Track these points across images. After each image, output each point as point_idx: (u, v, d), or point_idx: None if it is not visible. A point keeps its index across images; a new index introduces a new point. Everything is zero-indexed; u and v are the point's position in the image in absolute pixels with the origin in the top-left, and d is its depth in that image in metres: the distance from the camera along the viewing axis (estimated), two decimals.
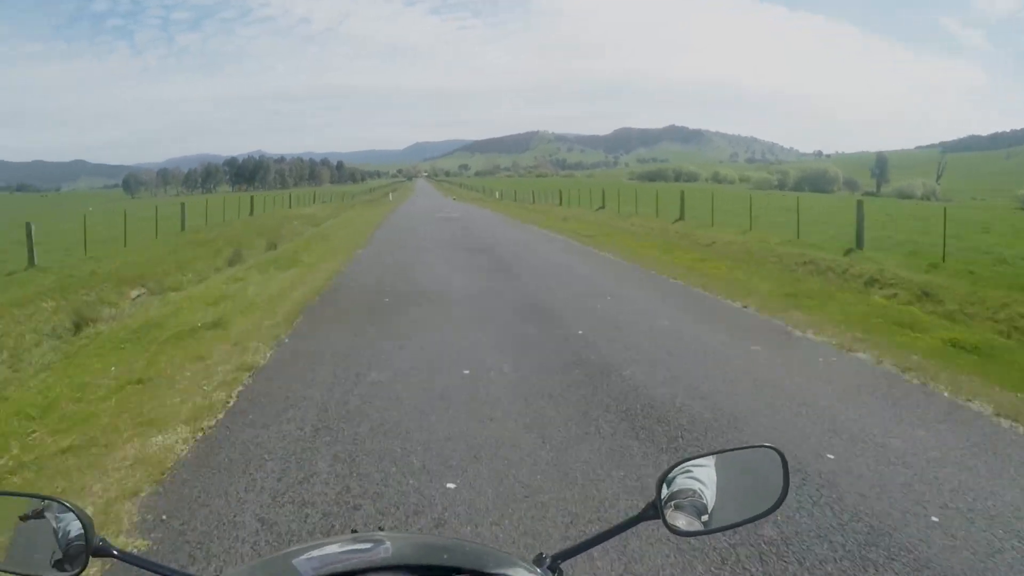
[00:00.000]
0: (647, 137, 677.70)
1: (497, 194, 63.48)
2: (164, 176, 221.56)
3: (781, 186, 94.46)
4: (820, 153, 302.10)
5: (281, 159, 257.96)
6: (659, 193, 28.86)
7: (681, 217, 23.49)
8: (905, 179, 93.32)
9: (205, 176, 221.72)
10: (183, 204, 28.27)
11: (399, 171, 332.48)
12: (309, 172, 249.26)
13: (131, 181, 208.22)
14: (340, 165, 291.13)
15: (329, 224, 27.72)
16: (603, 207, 33.86)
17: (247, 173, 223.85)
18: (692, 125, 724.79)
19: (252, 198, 31.41)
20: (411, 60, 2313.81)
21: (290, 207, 41.11)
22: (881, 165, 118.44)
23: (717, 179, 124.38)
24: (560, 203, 39.61)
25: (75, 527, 1.07)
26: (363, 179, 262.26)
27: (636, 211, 27.78)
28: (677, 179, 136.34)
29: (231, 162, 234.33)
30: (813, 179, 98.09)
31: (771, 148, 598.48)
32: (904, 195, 70.95)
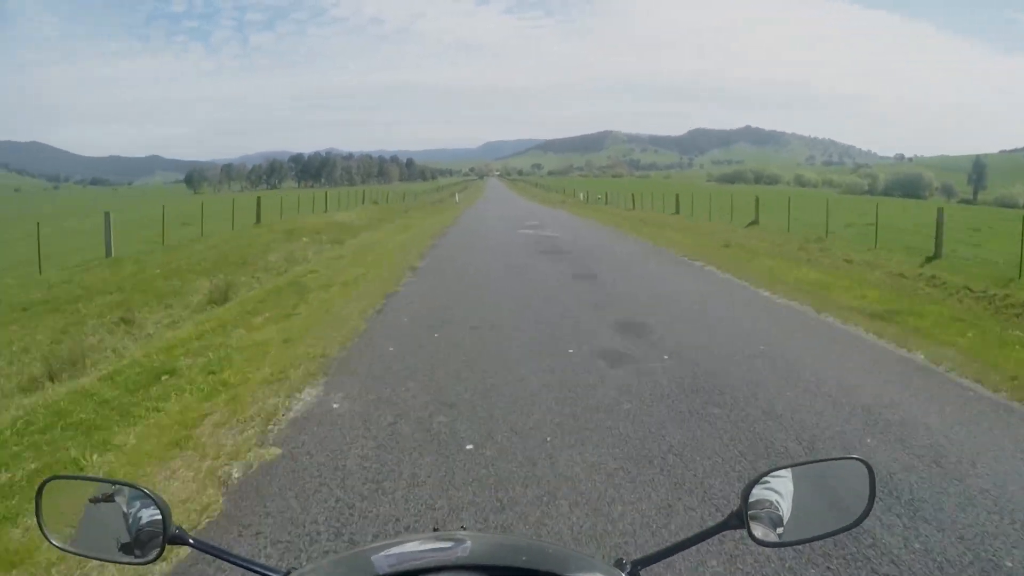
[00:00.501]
0: (722, 138, 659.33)
1: (582, 195, 56.91)
2: (228, 172, 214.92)
3: (871, 191, 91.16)
4: (902, 156, 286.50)
5: (349, 156, 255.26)
6: (759, 199, 26.66)
7: (755, 221, 23.56)
8: (1005, 186, 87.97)
9: (269, 172, 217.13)
10: (202, 203, 27.63)
11: (471, 169, 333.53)
12: (378, 169, 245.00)
13: (194, 176, 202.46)
14: (410, 162, 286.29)
15: (356, 245, 18.12)
16: (690, 213, 31.05)
17: (312, 170, 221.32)
18: (768, 126, 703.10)
19: (259, 199, 26.71)
20: (485, 59, 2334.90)
21: (325, 210, 32.97)
22: (979, 170, 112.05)
23: (800, 182, 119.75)
24: (675, 211, 32.64)
25: (147, 513, 1.08)
26: (433, 177, 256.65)
27: (731, 218, 26.10)
28: (757, 182, 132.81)
29: (297, 158, 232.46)
30: (905, 184, 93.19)
31: (848, 151, 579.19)
32: (1005, 203, 67.63)
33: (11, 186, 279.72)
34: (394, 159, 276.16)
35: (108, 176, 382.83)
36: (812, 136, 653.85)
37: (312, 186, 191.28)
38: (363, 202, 41.60)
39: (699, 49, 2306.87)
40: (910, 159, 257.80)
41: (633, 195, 40.74)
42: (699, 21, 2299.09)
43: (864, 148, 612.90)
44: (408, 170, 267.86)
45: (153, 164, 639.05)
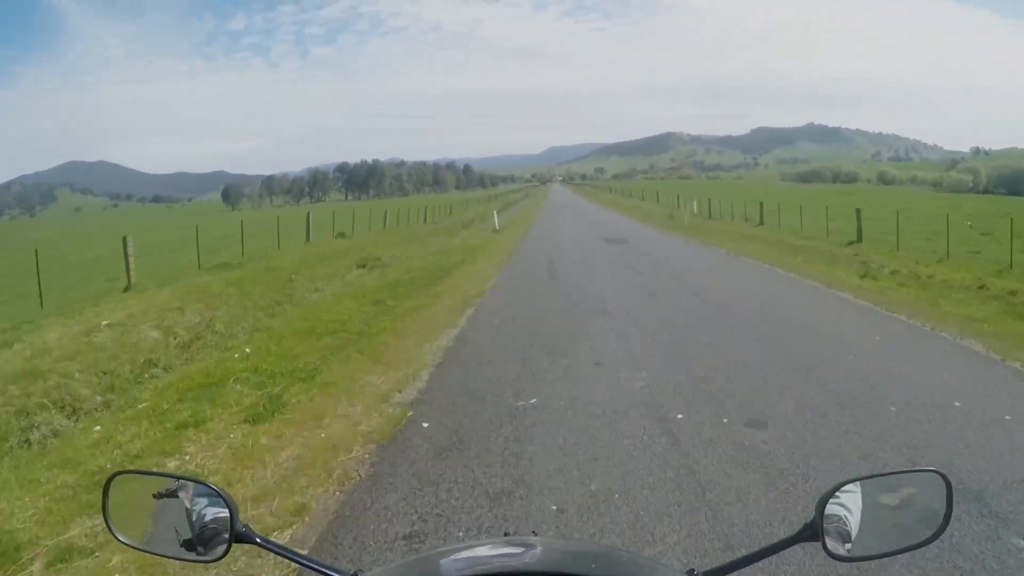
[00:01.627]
0: (784, 136, 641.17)
1: (695, 205, 37.36)
2: (269, 185, 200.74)
3: (975, 187, 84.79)
4: (978, 150, 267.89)
5: (401, 163, 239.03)
6: (861, 208, 21.04)
7: (858, 239, 19.12)
8: None
9: (312, 184, 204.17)
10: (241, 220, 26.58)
11: (533, 175, 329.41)
12: (432, 177, 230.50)
13: (231, 192, 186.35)
14: (467, 168, 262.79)
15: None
16: (760, 222, 27.69)
17: (359, 179, 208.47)
18: (831, 123, 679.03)
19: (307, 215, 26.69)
20: (545, 63, 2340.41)
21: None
22: None
23: (883, 180, 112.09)
24: (759, 220, 27.92)
25: (211, 510, 1.07)
26: (493, 184, 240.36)
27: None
28: (835, 181, 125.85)
29: (343, 167, 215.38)
30: (1012, 180, 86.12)
31: (913, 145, 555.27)
32: None
33: (73, 206, 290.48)
34: (450, 166, 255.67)
35: (173, 193, 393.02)
36: (876, 132, 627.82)
37: (360, 197, 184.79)
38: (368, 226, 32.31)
39: (759, 47, 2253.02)
40: (986, 153, 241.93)
41: (761, 205, 29.05)
42: (758, 19, 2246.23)
43: (930, 143, 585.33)
44: (466, 177, 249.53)
45: (218, 179, 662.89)
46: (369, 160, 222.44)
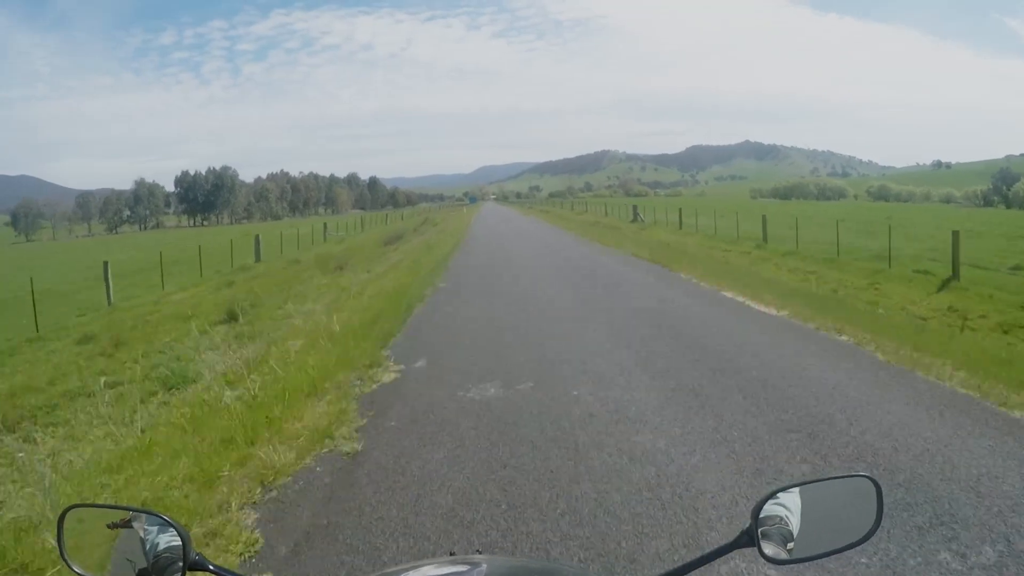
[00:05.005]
0: (721, 154, 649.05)
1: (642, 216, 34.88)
2: (84, 206, 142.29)
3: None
4: (939, 163, 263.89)
5: (279, 176, 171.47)
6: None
7: (955, 277, 12.72)
8: None
9: (134, 202, 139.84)
10: None
11: (465, 194, 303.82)
12: (326, 195, 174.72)
13: (22, 215, 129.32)
14: (373, 183, 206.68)
15: None
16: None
17: (201, 197, 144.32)
18: (766, 140, 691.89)
19: None
20: (476, 84, 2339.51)
21: None
22: None
23: (881, 195, 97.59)
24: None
25: (164, 539, 1.06)
26: (409, 202, 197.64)
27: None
28: (819, 197, 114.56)
29: (184, 179, 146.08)
30: None
31: (849, 161, 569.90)
32: None
33: None
34: (351, 180, 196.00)
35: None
36: (811, 148, 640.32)
37: (204, 222, 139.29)
38: None
39: (691, 68, 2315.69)
40: (949, 166, 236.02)
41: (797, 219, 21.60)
42: (689, 40, 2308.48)
43: (864, 159, 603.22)
44: (371, 193, 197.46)
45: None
46: (216, 167, 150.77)
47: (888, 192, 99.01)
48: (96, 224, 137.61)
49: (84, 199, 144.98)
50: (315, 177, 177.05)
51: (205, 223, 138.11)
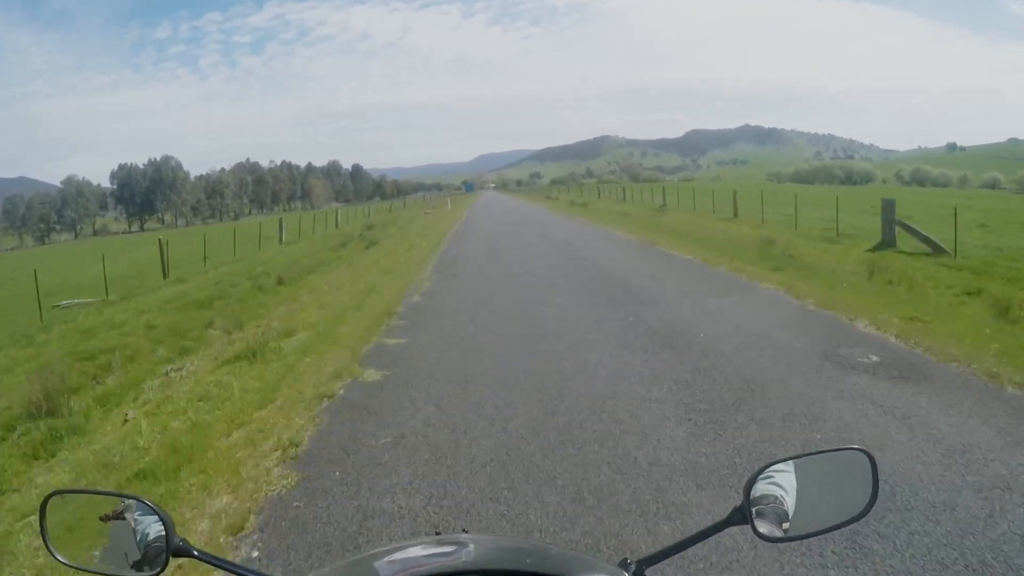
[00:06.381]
0: (721, 138, 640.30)
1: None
2: (10, 212, 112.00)
3: None
4: (954, 146, 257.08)
5: (222, 170, 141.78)
6: None
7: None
8: None
9: (61, 204, 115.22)
10: None
11: (463, 182, 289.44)
12: (300, 188, 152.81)
13: None
14: (357, 171, 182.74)
15: None
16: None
17: (139, 196, 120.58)
18: (766, 124, 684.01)
19: None
20: (474, 72, 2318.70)
21: None
22: None
23: (916, 179, 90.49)
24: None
25: (154, 528, 1.04)
26: (399, 193, 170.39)
27: None
28: (844, 181, 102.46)
29: (121, 170, 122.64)
30: None
31: (850, 145, 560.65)
32: None
33: None
34: (331, 169, 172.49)
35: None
36: (812, 132, 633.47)
37: (142, 226, 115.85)
38: None
39: (689, 54, 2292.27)
40: (963, 149, 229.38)
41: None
42: (687, 27, 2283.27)
43: (866, 142, 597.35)
44: (354, 183, 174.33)
45: None
46: (156, 157, 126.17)
47: (925, 176, 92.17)
48: (28, 234, 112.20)
49: (12, 203, 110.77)
50: (288, 167, 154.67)
51: (145, 228, 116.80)
